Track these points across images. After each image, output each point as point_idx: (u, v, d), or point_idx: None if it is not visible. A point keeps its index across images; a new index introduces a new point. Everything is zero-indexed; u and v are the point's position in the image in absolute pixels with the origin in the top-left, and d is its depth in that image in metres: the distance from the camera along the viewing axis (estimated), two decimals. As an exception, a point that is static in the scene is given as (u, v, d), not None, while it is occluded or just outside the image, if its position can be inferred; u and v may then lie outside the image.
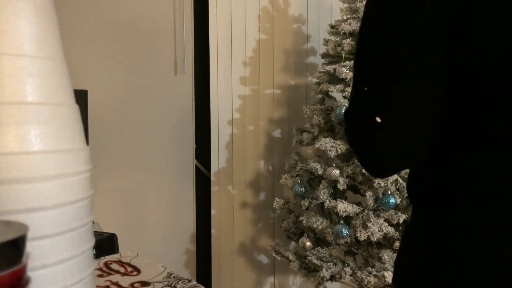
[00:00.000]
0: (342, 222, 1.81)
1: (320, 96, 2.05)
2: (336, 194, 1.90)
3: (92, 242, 0.61)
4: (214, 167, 2.34)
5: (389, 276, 1.70)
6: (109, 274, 0.93)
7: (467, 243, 0.53)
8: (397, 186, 1.77)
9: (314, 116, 1.99)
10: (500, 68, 0.48)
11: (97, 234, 1.55)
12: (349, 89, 1.86)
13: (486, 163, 0.52)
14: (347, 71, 1.84)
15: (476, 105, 0.52)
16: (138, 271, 0.95)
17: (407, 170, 0.65)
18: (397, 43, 0.52)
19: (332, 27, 2.01)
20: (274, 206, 2.16)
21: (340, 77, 1.86)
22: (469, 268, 0.52)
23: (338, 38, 1.96)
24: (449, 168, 0.56)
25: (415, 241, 0.61)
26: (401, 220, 1.73)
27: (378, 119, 0.53)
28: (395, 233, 1.73)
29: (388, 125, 0.53)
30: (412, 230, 0.63)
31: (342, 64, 1.87)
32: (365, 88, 0.55)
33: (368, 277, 1.74)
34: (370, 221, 1.71)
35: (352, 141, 0.60)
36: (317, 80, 2.05)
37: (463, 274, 0.52)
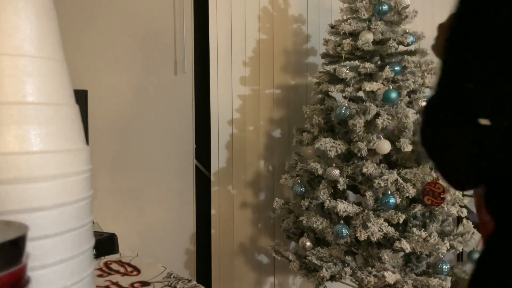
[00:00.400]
0: (342, 222, 1.81)
1: (320, 96, 2.05)
2: (336, 194, 1.90)
3: (92, 242, 0.61)
4: (214, 167, 2.34)
5: (389, 276, 1.70)
6: (109, 274, 0.93)
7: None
8: (397, 186, 1.77)
9: (314, 116, 1.99)
10: None
11: (97, 234, 1.55)
12: (349, 89, 1.86)
13: None
14: (347, 71, 1.84)
15: None
16: (138, 271, 0.95)
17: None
18: None
19: (332, 27, 2.01)
20: (274, 206, 2.16)
21: (340, 77, 1.86)
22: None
23: (338, 38, 1.96)
24: None
25: None
26: (401, 220, 1.73)
27: (485, 122, 0.44)
28: (395, 233, 1.73)
29: (497, 129, 0.44)
30: None
31: (342, 64, 1.87)
32: (469, 86, 0.46)
33: (368, 277, 1.74)
34: (370, 221, 1.71)
35: (433, 143, 0.51)
36: (317, 80, 2.05)
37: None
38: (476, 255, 1.74)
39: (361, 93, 1.94)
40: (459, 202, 1.81)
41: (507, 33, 0.43)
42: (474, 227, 1.78)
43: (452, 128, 0.48)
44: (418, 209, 1.80)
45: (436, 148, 0.50)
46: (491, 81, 0.44)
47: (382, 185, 1.75)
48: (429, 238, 1.71)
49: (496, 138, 0.44)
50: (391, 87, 1.81)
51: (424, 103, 0.51)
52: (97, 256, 1.04)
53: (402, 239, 1.72)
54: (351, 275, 1.82)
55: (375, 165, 1.79)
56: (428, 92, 1.90)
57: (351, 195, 1.98)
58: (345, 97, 1.91)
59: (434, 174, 1.79)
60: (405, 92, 1.88)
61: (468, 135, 0.46)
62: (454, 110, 0.48)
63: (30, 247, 0.49)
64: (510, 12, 0.44)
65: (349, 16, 1.93)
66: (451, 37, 0.49)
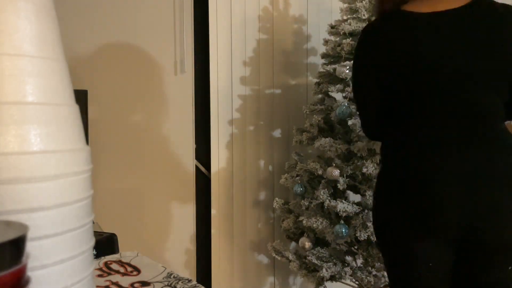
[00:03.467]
0: (342, 222, 1.81)
1: (320, 96, 2.05)
2: (336, 194, 1.90)
3: (92, 242, 0.61)
4: (214, 167, 2.34)
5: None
6: (109, 274, 0.93)
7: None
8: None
9: (314, 116, 1.99)
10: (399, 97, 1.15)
11: (97, 234, 1.55)
12: (348, 89, 1.88)
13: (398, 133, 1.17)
14: (347, 71, 1.84)
15: (395, 111, 1.17)
16: (138, 271, 0.95)
17: None
18: (361, 93, 1.26)
19: (332, 27, 2.01)
20: (274, 206, 2.16)
21: (340, 77, 1.86)
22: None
23: (338, 38, 1.96)
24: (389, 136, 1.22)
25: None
26: (401, 220, 1.72)
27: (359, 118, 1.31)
28: (395, 233, 1.73)
29: (361, 119, 1.30)
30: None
31: (342, 64, 1.87)
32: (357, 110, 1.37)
33: (368, 277, 1.74)
34: (370, 221, 1.71)
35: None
36: (317, 80, 2.05)
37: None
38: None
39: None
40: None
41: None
42: None
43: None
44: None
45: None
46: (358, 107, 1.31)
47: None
48: (429, 238, 1.70)
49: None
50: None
51: None
52: (97, 256, 1.04)
53: (402, 239, 1.72)
54: (351, 275, 1.82)
55: (375, 165, 1.79)
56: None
57: (351, 195, 1.98)
58: (345, 97, 1.91)
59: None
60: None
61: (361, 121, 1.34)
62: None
63: (30, 247, 0.49)
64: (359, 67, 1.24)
65: (349, 16, 1.93)
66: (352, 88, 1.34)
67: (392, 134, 1.17)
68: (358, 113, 1.28)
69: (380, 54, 1.14)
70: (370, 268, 1.80)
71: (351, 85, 1.83)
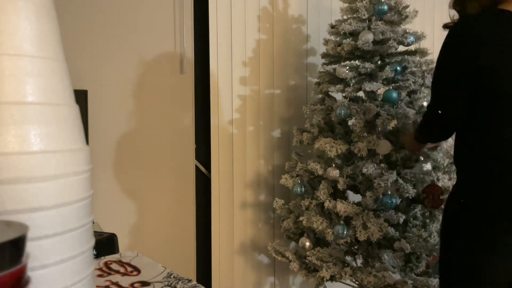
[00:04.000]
0: (342, 222, 1.80)
1: (320, 96, 2.05)
2: (336, 194, 1.90)
3: (92, 242, 0.61)
4: (214, 167, 2.34)
5: (389, 276, 1.70)
6: (109, 274, 0.93)
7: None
8: (397, 187, 1.77)
9: (314, 116, 1.99)
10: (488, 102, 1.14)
11: (97, 234, 1.55)
12: (349, 89, 1.87)
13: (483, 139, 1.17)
14: (347, 71, 1.84)
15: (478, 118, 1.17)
16: (138, 271, 0.95)
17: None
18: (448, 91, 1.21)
19: (332, 27, 2.01)
20: (274, 206, 2.16)
21: (340, 77, 1.86)
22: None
23: (338, 38, 1.96)
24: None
25: None
26: (401, 221, 1.72)
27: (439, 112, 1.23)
28: (395, 233, 1.73)
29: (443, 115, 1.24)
30: None
31: (342, 64, 1.87)
32: (439, 112, 1.24)
33: (368, 277, 1.74)
34: (370, 221, 1.71)
35: (427, 124, 1.35)
36: (317, 80, 2.05)
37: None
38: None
39: (361, 93, 1.94)
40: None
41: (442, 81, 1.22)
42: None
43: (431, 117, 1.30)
44: (418, 209, 1.80)
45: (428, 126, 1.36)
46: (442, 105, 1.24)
47: (382, 185, 1.75)
48: (429, 238, 1.70)
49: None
50: (391, 87, 1.81)
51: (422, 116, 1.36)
52: (97, 256, 1.04)
53: (402, 239, 1.72)
54: (351, 275, 1.82)
55: (375, 165, 1.79)
56: (428, 93, 1.90)
57: (351, 195, 1.98)
58: (345, 97, 1.91)
59: (433, 174, 1.79)
60: (405, 92, 1.88)
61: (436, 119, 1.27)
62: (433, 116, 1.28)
63: (30, 247, 0.49)
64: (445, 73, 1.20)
65: (349, 16, 1.93)
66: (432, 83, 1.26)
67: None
68: (430, 110, 1.26)
69: (474, 53, 1.11)
70: (370, 268, 1.80)
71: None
